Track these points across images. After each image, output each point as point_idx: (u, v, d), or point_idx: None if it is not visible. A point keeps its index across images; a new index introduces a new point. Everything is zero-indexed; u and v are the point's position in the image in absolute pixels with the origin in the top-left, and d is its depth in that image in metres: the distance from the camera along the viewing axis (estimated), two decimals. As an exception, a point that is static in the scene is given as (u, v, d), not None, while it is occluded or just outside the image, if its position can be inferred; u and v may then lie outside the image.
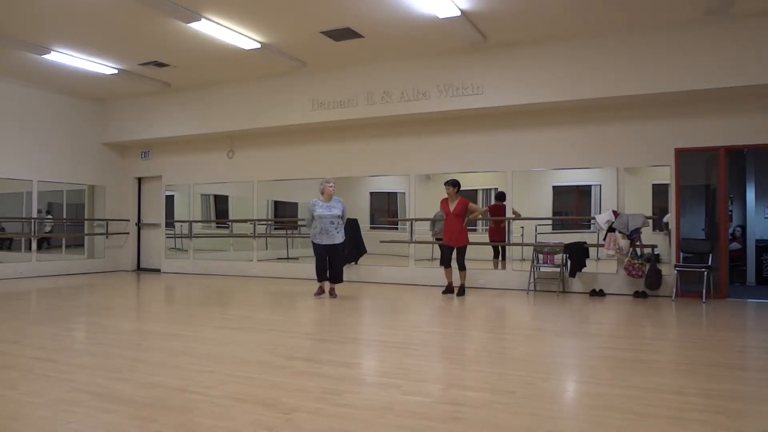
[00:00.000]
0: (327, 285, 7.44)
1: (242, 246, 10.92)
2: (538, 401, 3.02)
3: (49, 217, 11.01)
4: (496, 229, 8.96)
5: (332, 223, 7.09)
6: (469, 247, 7.67)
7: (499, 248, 8.99)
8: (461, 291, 7.66)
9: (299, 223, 10.47)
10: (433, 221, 9.21)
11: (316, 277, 7.42)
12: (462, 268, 7.65)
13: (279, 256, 10.91)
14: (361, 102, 8.97)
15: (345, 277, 9.53)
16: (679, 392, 3.18)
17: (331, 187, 7.17)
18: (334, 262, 7.27)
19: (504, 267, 8.80)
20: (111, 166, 11.88)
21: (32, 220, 10.44)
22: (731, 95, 7.21)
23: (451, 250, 7.62)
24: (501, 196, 8.81)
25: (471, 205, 7.65)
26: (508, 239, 8.64)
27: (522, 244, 8.59)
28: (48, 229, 11.10)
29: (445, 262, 7.70)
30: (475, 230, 9.48)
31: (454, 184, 7.59)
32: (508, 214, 8.61)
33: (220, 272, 10.87)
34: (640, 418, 2.73)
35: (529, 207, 8.83)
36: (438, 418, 2.74)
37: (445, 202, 7.70)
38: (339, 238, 7.19)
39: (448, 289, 7.76)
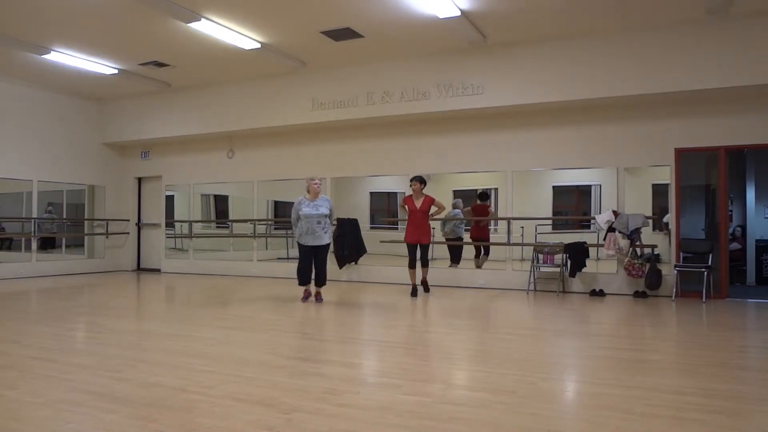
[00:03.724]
0: (312, 288, 7.11)
1: (242, 246, 10.91)
2: (538, 401, 3.02)
3: (54, 216, 11.02)
4: (477, 228, 9.23)
5: (319, 222, 6.73)
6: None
7: (481, 247, 9.19)
8: (426, 287, 7.78)
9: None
10: (444, 221, 9.28)
11: (297, 281, 6.99)
12: (425, 264, 7.69)
13: (279, 256, 10.91)
14: (361, 102, 8.96)
15: (345, 277, 9.60)
16: (679, 392, 3.18)
17: (316, 184, 6.82)
18: (317, 263, 6.89)
19: (480, 266, 8.89)
20: (111, 166, 11.87)
21: (33, 220, 10.44)
22: (731, 95, 7.21)
23: (416, 248, 7.52)
24: (483, 196, 9.17)
25: (437, 201, 7.52)
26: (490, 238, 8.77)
27: (522, 244, 8.59)
28: (54, 228, 11.11)
29: (413, 263, 7.54)
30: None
31: (421, 180, 7.45)
32: (500, 213, 8.67)
33: (220, 272, 10.87)
34: (640, 418, 2.73)
35: (529, 207, 8.84)
36: (438, 418, 2.74)
37: (410, 199, 7.53)
38: (326, 238, 6.82)
39: (415, 291, 7.57)
